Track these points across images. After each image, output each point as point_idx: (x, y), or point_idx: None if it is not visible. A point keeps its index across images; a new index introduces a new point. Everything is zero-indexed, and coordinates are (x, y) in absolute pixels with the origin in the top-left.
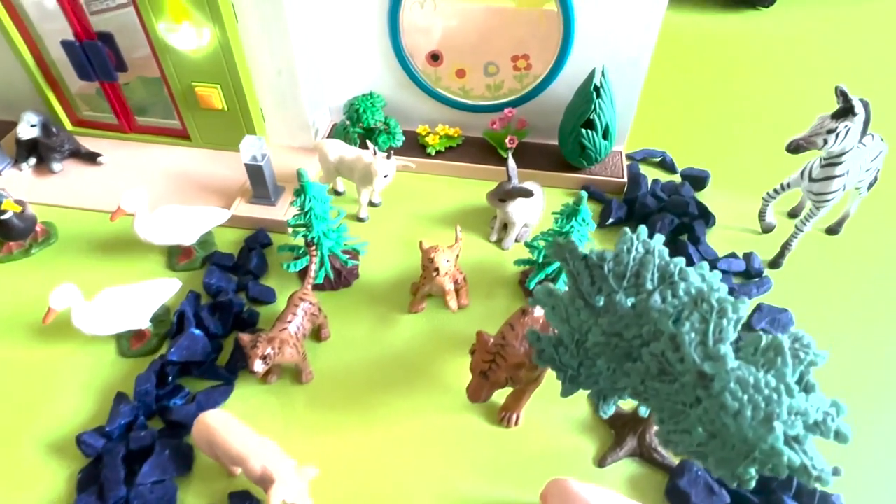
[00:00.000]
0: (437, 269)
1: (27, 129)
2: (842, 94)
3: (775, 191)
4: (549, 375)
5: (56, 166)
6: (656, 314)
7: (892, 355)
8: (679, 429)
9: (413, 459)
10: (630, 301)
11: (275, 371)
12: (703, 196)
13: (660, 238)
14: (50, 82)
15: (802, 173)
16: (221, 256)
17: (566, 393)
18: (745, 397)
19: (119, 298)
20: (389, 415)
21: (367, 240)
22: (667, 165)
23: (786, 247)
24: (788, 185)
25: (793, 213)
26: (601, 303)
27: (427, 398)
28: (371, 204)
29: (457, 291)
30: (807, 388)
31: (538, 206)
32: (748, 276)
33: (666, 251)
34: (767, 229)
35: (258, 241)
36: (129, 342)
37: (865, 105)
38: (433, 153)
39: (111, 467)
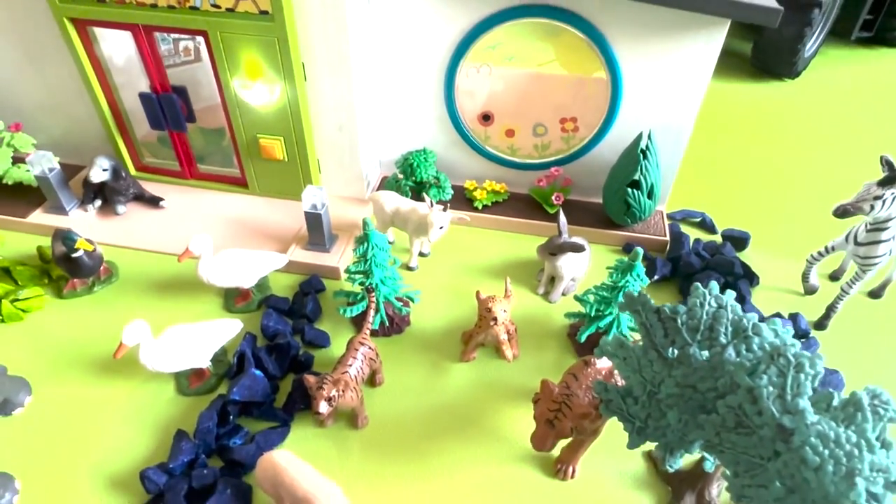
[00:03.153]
0: (494, 319)
1: (99, 172)
2: (887, 164)
3: (819, 253)
4: (607, 429)
5: (120, 209)
6: (732, 367)
7: None
8: (755, 483)
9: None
10: (704, 354)
11: (331, 415)
12: (744, 257)
13: (731, 294)
14: (121, 130)
15: (847, 237)
16: (277, 300)
17: (633, 445)
18: (827, 452)
19: (183, 337)
20: (445, 464)
21: (418, 288)
22: (706, 226)
23: (831, 308)
24: (833, 249)
25: (834, 276)
26: (675, 355)
27: (481, 448)
28: (420, 254)
29: (507, 342)
30: (885, 446)
31: (586, 261)
32: (795, 337)
33: (738, 307)
34: (810, 291)
35: (312, 286)
36: (188, 381)
37: None
38: (480, 207)
39: (174, 497)
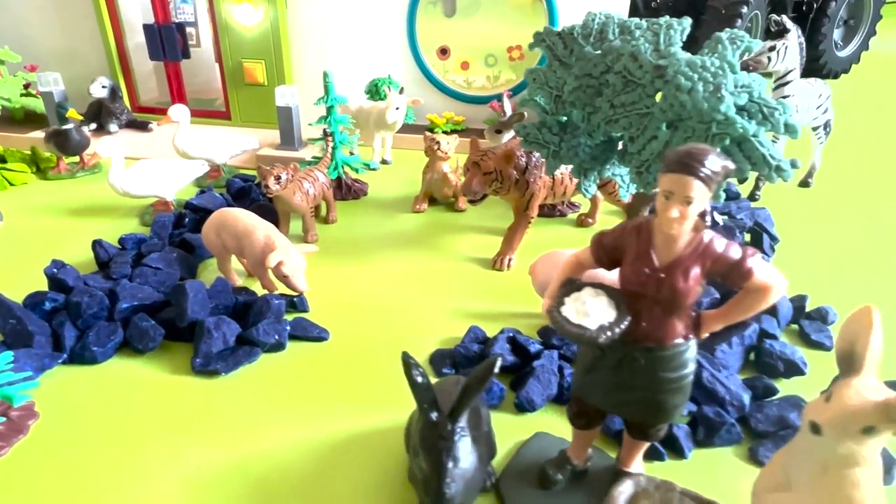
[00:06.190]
0: (437, 144)
1: (98, 88)
2: (775, 23)
3: None
4: (539, 228)
5: (112, 127)
6: (618, 45)
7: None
8: (647, 137)
9: (414, 287)
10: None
11: (283, 226)
12: None
13: (620, 12)
14: (124, 70)
15: None
16: (245, 175)
17: (551, 170)
18: (696, 76)
19: (153, 168)
20: (392, 261)
21: (378, 184)
22: None
23: (756, 187)
24: None
25: None
26: (573, 60)
27: (426, 253)
28: (383, 161)
29: (456, 197)
30: (744, 69)
31: None
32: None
33: (625, 18)
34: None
35: None
36: (151, 216)
37: (795, 27)
38: (439, 133)
39: (121, 257)
